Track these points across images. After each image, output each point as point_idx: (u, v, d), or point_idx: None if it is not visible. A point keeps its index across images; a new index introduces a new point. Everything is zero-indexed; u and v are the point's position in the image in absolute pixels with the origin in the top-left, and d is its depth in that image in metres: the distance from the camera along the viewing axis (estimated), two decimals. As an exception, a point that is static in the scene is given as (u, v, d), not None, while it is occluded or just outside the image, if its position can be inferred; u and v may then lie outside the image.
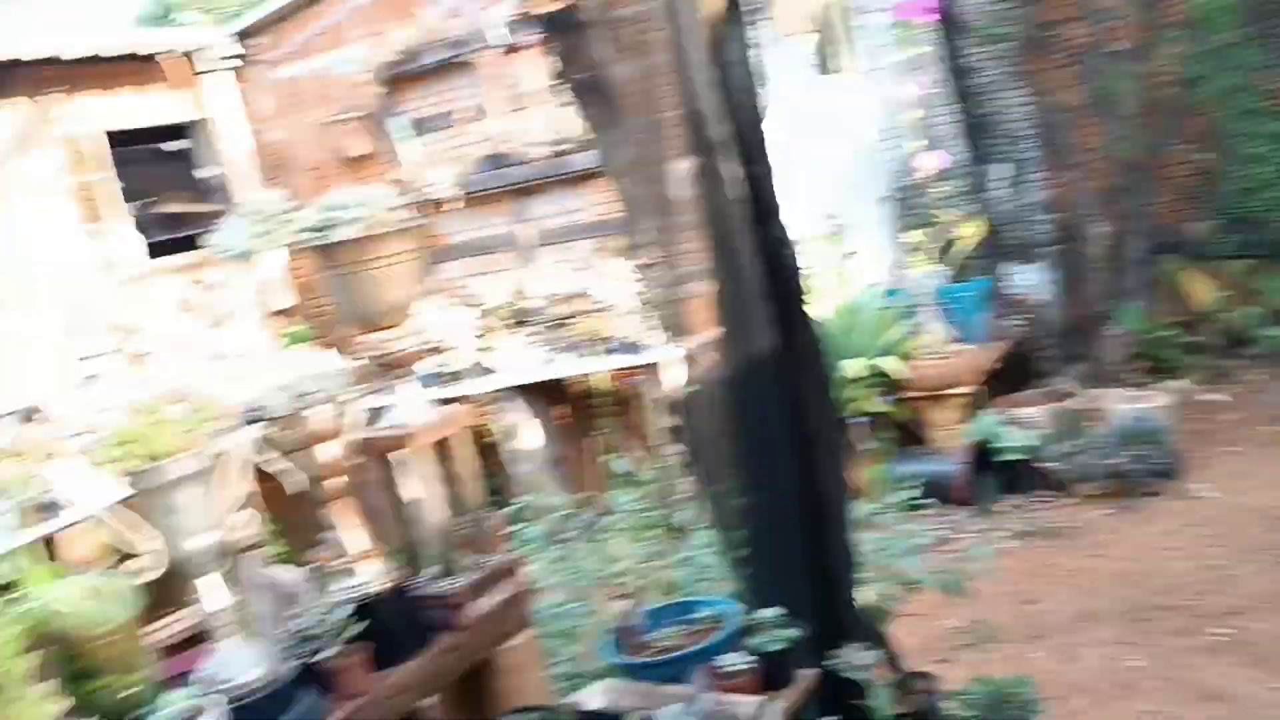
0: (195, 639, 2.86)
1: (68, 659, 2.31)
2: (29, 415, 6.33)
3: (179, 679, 2.52)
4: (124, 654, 2.39)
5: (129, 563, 2.42)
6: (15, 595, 2.35)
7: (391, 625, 2.74)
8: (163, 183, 8.01)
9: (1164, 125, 6.72)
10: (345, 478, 2.82)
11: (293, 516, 2.76)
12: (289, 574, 2.97)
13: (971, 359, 6.33)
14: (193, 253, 7.87)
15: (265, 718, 2.42)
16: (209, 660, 2.49)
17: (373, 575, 2.80)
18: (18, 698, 2.09)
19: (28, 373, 6.60)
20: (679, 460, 5.64)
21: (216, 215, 8.10)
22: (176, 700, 2.35)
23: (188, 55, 7.92)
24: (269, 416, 2.68)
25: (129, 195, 7.68)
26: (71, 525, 5.60)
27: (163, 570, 2.41)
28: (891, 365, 6.16)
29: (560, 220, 7.18)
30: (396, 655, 2.73)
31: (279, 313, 8.19)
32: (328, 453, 2.76)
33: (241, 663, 2.49)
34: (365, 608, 2.69)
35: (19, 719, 2.08)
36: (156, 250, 7.73)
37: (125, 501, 2.42)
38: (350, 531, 2.81)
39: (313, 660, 2.60)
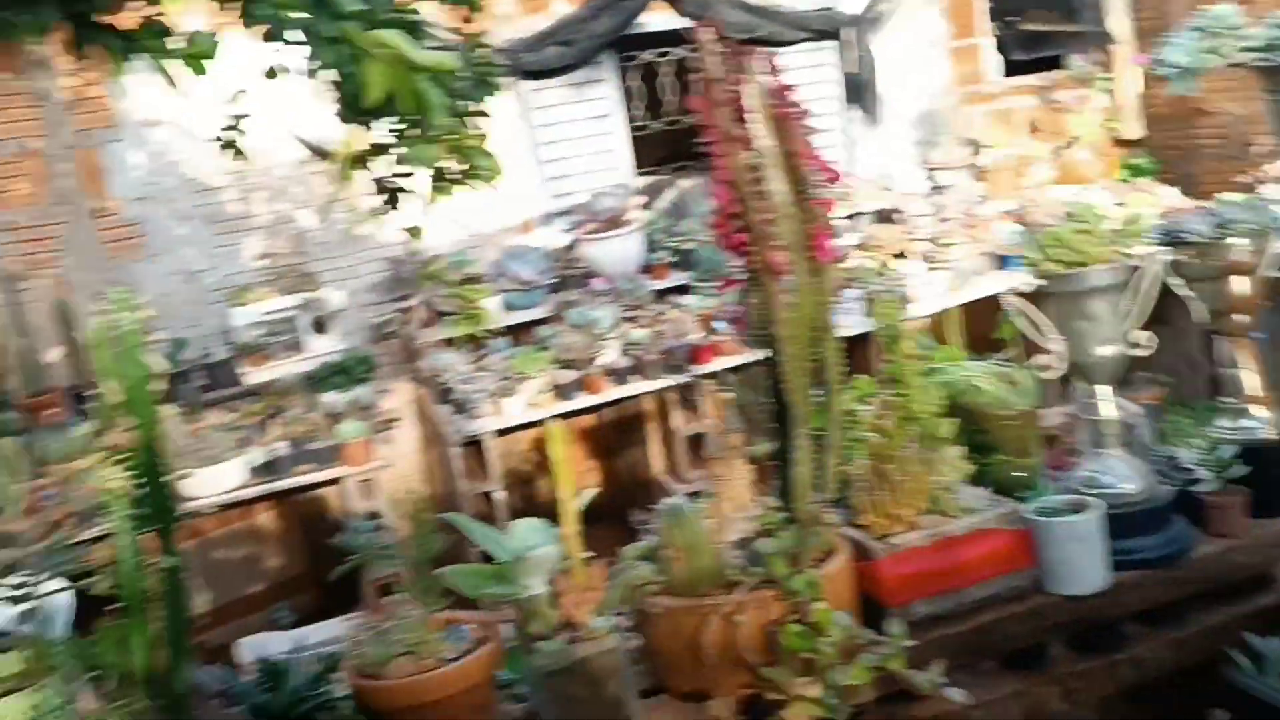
0: (1059, 438, 3.03)
1: (973, 432, 2.59)
2: (886, 216, 7.00)
3: (1051, 472, 2.70)
4: (1020, 438, 2.61)
5: (1037, 358, 2.59)
6: (933, 368, 2.67)
7: (1275, 477, 2.62)
8: (1029, 1, 8.01)
9: None
10: (1250, 316, 2.69)
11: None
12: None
13: None
14: (1048, 73, 7.87)
15: (1137, 531, 2.50)
16: (1091, 463, 2.62)
17: (1262, 422, 2.67)
18: (938, 451, 2.41)
19: (888, 177, 7.26)
20: None
21: (1078, 36, 7.96)
22: (1059, 491, 2.53)
23: None
24: (1185, 241, 2.63)
25: (994, 14, 7.83)
26: (916, 319, 6.18)
27: (1063, 371, 2.55)
28: None
29: None
30: (1275, 507, 2.62)
31: (1123, 143, 7.89)
32: (1240, 286, 2.64)
33: (1120, 473, 2.58)
34: (1250, 452, 2.60)
35: (938, 468, 2.40)
36: (1013, 69, 7.84)
37: (1036, 300, 2.57)
38: (1246, 372, 2.70)
39: (1189, 491, 2.60)
